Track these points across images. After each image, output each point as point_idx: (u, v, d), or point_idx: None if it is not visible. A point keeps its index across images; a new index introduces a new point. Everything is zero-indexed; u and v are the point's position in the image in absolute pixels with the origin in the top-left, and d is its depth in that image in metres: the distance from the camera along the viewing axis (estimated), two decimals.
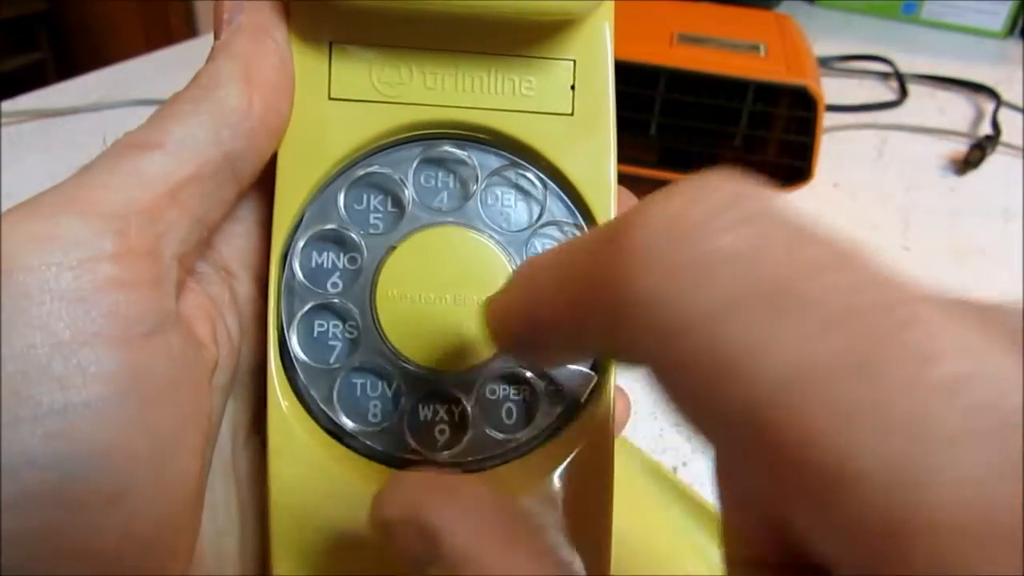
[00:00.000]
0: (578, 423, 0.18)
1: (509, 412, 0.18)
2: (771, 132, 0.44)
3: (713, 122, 0.44)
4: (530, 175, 0.19)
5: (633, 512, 0.30)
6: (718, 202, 0.09)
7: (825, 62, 0.76)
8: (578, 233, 0.19)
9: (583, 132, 0.19)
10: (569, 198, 0.19)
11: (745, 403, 0.08)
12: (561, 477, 0.18)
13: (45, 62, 1.64)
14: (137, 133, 0.15)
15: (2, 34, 1.49)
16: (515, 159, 0.19)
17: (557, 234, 0.19)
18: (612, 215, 0.19)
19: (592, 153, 0.19)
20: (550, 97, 0.19)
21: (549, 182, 0.19)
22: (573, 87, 0.19)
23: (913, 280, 0.09)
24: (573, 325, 0.11)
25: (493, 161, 0.19)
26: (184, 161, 0.15)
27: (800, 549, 0.10)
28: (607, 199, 0.19)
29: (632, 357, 0.10)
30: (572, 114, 0.19)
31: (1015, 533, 0.07)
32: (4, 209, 0.14)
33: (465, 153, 0.19)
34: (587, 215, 0.19)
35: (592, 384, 0.19)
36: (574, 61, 0.19)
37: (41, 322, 0.13)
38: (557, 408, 0.19)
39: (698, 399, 0.09)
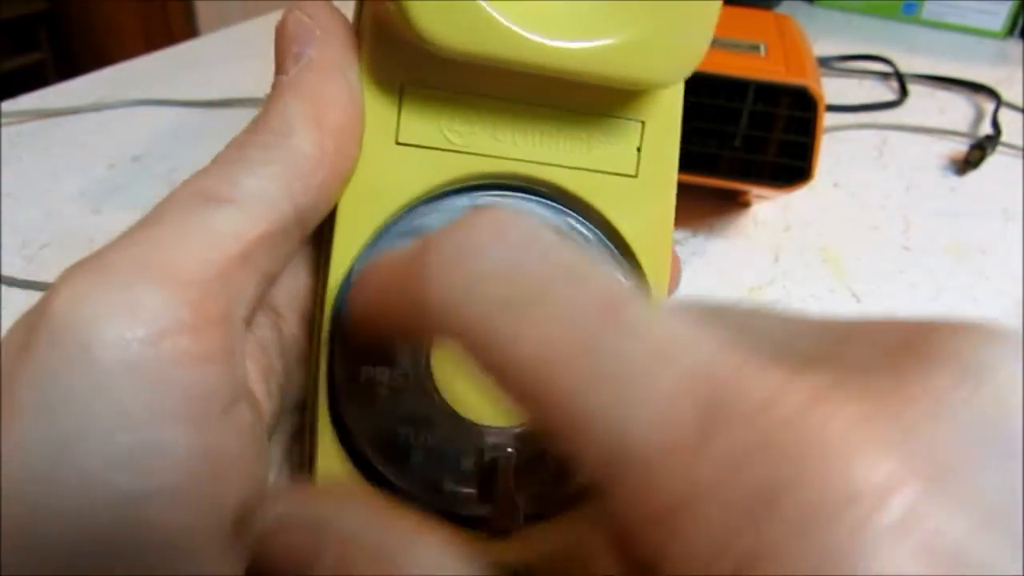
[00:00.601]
0: None
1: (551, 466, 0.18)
2: (771, 132, 0.44)
3: (713, 122, 0.44)
4: (584, 229, 0.19)
5: None
6: (491, 229, 0.12)
7: (825, 62, 0.76)
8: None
9: (645, 194, 0.19)
10: (624, 257, 0.19)
11: (513, 377, 0.11)
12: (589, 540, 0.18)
13: (45, 62, 1.64)
14: (205, 181, 0.15)
15: (2, 34, 1.49)
16: (568, 212, 0.19)
17: None
18: (664, 280, 0.19)
19: (652, 216, 0.19)
20: (615, 157, 0.18)
21: (603, 237, 0.19)
22: (639, 149, 0.18)
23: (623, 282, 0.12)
24: (393, 321, 0.14)
25: (548, 214, 0.19)
26: (256, 218, 0.14)
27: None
28: (663, 263, 0.19)
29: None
30: (636, 176, 0.19)
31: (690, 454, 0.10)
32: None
33: (524, 205, 0.18)
34: (641, 275, 0.19)
35: None
36: (643, 123, 0.18)
37: (120, 404, 0.12)
38: None
39: (489, 375, 0.12)
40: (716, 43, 0.54)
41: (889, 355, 0.10)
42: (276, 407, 0.17)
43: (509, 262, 0.12)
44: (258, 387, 0.16)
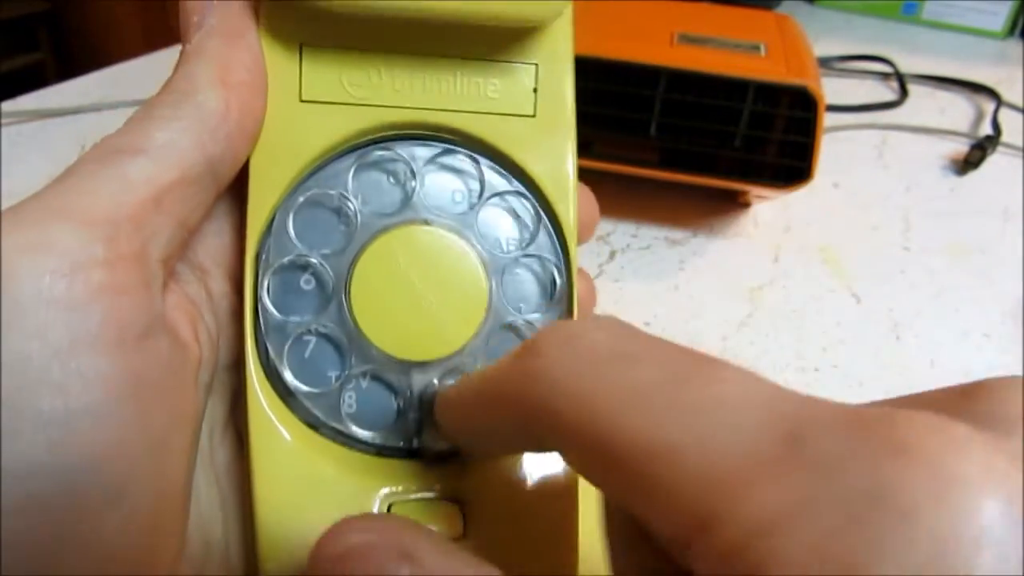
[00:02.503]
0: None
1: None
2: (771, 132, 0.44)
3: (713, 122, 0.44)
4: (492, 170, 0.20)
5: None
6: (594, 322, 0.13)
7: (825, 62, 0.76)
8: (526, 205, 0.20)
9: (544, 132, 0.20)
10: (532, 195, 0.20)
11: (599, 435, 0.12)
12: (524, 467, 0.19)
13: (45, 62, 1.64)
14: (118, 138, 0.15)
15: (2, 34, 1.49)
16: (476, 155, 0.20)
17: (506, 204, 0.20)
18: (572, 210, 0.20)
19: (553, 152, 0.20)
20: (513, 99, 0.19)
21: (510, 176, 0.20)
22: (535, 90, 0.20)
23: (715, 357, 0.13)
24: (490, 414, 0.15)
25: (458, 159, 0.20)
26: (168, 167, 0.15)
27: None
28: (567, 195, 0.20)
29: (537, 437, 0.13)
30: (534, 115, 0.20)
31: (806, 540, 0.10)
32: (4, 209, 0.14)
33: (399, 152, 0.19)
34: (549, 211, 0.20)
35: None
36: (536, 65, 0.20)
37: (37, 330, 0.13)
38: None
39: (577, 446, 0.12)
40: (716, 43, 0.54)
41: (935, 402, 0.12)
42: (209, 357, 0.18)
43: (611, 337, 0.13)
44: (185, 331, 0.17)
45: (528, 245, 0.20)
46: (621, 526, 0.15)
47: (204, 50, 0.17)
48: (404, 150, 0.19)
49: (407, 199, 0.19)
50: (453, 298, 0.18)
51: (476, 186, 0.20)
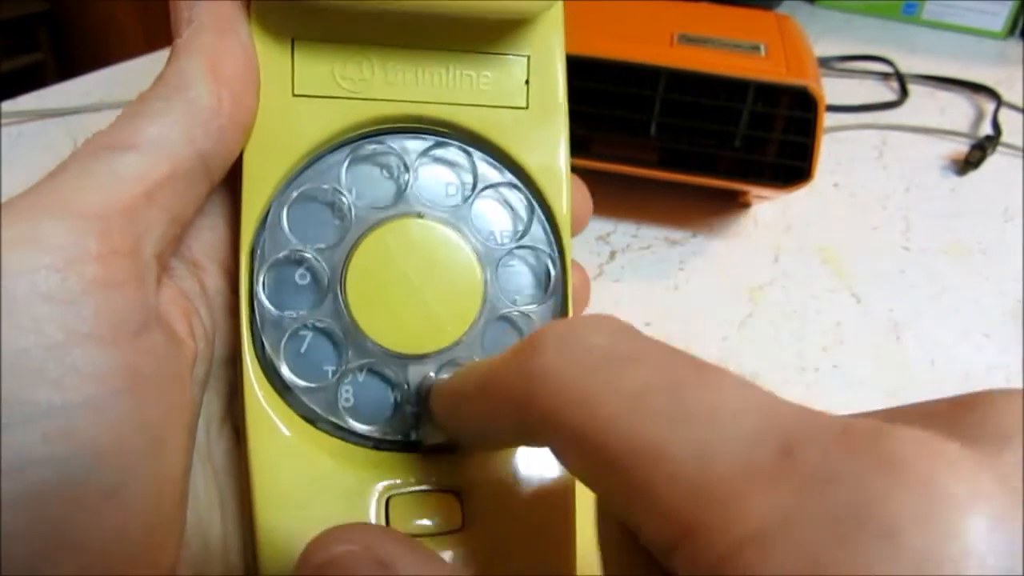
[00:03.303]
0: None
1: None
2: (771, 132, 0.44)
3: (713, 122, 0.44)
4: (486, 163, 0.20)
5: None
6: (593, 322, 0.14)
7: (825, 62, 0.76)
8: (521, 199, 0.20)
9: (537, 124, 0.20)
10: (525, 187, 0.20)
11: (596, 437, 0.12)
12: (522, 459, 0.19)
13: (45, 62, 1.63)
14: (109, 134, 0.16)
15: (2, 34, 1.49)
16: (469, 147, 0.20)
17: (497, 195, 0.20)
18: (565, 202, 0.20)
19: (546, 143, 0.20)
20: (505, 91, 0.20)
21: (503, 168, 0.20)
22: (527, 82, 0.20)
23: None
24: (488, 408, 0.15)
25: (451, 152, 0.20)
26: (159, 161, 0.15)
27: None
28: (560, 187, 0.20)
29: (534, 434, 0.14)
30: (527, 107, 0.20)
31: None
32: None
33: (391, 145, 0.19)
34: (542, 202, 0.20)
35: None
36: (528, 57, 0.20)
37: (32, 325, 0.13)
38: None
39: (573, 446, 0.13)
40: (716, 43, 0.54)
41: (929, 415, 0.12)
42: (204, 351, 0.18)
43: (611, 339, 0.13)
44: (179, 326, 0.17)
45: (522, 236, 0.20)
46: (613, 528, 0.15)
47: (195, 45, 0.17)
48: (397, 143, 0.19)
49: (400, 192, 0.19)
50: (448, 291, 0.19)
51: (469, 178, 0.20)
